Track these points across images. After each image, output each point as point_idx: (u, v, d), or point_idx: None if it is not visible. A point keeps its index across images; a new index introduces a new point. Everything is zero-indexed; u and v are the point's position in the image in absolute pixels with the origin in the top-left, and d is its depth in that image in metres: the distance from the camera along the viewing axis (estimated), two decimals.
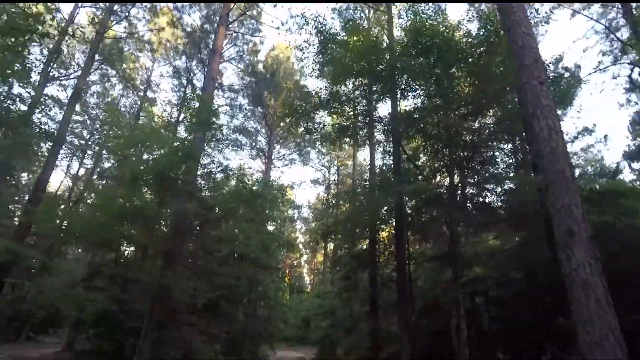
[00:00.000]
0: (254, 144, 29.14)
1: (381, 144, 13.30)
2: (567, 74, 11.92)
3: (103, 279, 15.57)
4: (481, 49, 9.75)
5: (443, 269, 14.97)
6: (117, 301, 12.51)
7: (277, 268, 20.77)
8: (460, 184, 12.47)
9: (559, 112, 14.22)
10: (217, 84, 23.66)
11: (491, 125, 11.81)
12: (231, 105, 28.36)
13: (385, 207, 12.35)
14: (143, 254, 14.24)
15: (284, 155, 31.17)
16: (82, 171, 28.77)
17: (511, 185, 11.94)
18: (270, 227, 24.77)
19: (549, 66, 12.42)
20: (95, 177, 24.74)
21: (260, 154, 29.40)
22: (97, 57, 22.61)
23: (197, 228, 10.18)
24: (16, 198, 17.78)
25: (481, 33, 9.76)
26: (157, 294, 8.29)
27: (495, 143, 12.37)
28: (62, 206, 14.76)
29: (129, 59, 26.43)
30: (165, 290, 8.28)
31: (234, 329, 17.08)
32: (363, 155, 43.82)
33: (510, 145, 12.94)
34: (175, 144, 8.86)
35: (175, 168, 8.50)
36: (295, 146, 30.33)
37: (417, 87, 10.86)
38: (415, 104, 11.69)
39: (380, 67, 10.24)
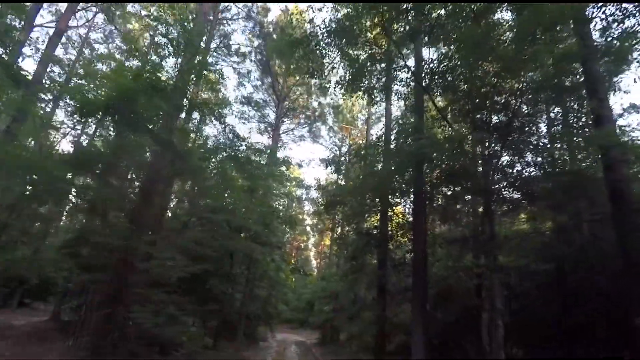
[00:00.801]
0: (261, 117, 27.42)
1: (401, 98, 11.26)
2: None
3: (89, 247, 14.34)
4: None
5: (463, 253, 13.16)
6: (97, 271, 11.17)
7: (277, 246, 19.23)
8: (493, 154, 10.49)
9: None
10: (221, 44, 21.84)
11: (536, 82, 9.68)
12: (239, 73, 26.63)
13: (400, 178, 10.44)
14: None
15: (292, 129, 29.37)
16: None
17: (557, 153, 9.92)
18: (279, 207, 23.31)
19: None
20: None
21: (269, 128, 27.65)
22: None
23: (167, 183, 8.50)
24: None
25: None
26: (115, 263, 6.75)
27: (538, 106, 10.26)
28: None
29: (132, 16, 24.73)
30: (124, 259, 6.75)
31: (229, 308, 15.76)
32: (377, 133, 41.65)
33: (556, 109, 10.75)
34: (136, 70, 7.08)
35: (136, 99, 6.70)
36: (305, 119, 28.46)
37: (449, 27, 8.74)
38: (445, 52, 9.62)
39: None
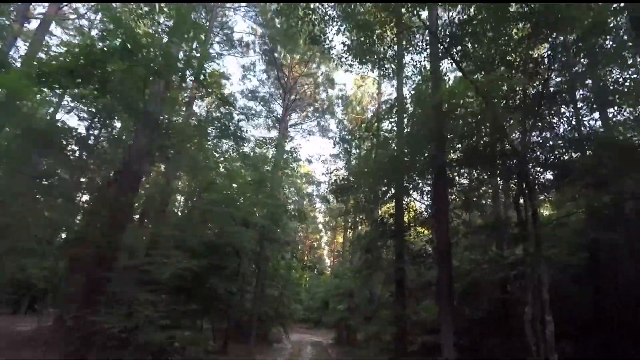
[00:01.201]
0: (268, 112, 26.55)
1: (415, 67, 10.09)
2: None
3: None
4: None
5: (489, 241, 11.96)
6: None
7: (287, 242, 18.28)
8: (530, 128, 9.30)
9: None
10: (222, 35, 21.09)
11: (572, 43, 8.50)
12: (243, 66, 25.91)
13: (419, 152, 9.32)
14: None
15: (300, 123, 28.41)
16: None
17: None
18: (289, 201, 22.41)
19: None
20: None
21: (276, 124, 26.75)
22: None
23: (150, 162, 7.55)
24: None
25: None
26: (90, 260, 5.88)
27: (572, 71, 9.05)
28: None
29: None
30: (100, 254, 5.88)
31: (237, 309, 14.92)
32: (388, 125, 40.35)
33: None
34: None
35: (104, 63, 5.71)
36: (313, 112, 27.47)
37: None
38: (464, 12, 8.48)
39: None
